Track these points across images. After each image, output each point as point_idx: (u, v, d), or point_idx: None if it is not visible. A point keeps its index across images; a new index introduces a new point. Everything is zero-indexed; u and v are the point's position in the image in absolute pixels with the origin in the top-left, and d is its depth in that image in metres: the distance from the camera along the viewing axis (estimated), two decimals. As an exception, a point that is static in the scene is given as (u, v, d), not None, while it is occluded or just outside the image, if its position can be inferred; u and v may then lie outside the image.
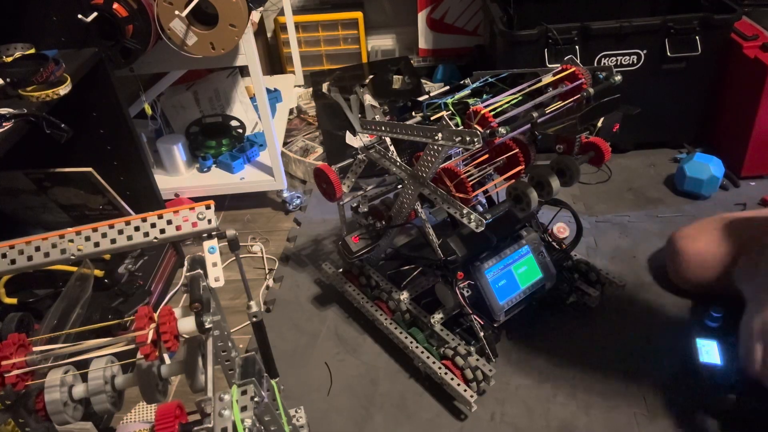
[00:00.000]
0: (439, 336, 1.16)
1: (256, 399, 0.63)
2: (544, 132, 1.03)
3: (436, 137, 0.96)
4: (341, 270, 1.37)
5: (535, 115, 0.97)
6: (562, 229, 1.30)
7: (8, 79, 1.02)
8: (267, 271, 1.53)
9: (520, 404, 1.12)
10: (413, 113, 1.14)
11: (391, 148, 1.13)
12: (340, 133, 1.90)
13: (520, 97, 1.05)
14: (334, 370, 1.23)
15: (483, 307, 1.14)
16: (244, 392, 0.64)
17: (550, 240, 1.28)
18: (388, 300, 1.24)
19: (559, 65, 1.10)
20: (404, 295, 1.19)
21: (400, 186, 1.18)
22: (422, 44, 2.36)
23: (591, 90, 1.05)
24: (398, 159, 1.12)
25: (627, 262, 1.42)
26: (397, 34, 2.46)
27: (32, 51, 1.19)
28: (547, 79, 1.08)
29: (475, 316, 1.11)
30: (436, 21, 2.30)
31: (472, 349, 1.11)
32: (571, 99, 1.06)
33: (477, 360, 1.09)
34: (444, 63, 2.33)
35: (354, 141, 1.84)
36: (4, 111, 0.96)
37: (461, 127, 0.96)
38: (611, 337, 1.23)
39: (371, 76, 2.20)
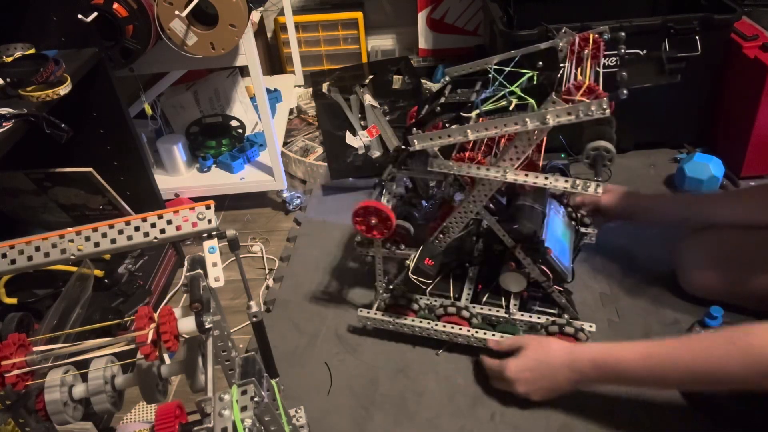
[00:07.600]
0: (525, 323, 1.17)
1: (256, 399, 0.63)
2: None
3: (547, 119, 0.90)
4: (385, 306, 1.23)
5: (624, 74, 0.96)
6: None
7: (8, 79, 1.02)
8: (267, 271, 1.53)
9: (520, 404, 1.12)
10: (461, 114, 1.07)
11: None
12: (340, 133, 1.90)
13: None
14: (334, 370, 1.23)
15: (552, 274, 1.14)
16: (244, 392, 0.63)
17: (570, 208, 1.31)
18: (459, 312, 1.18)
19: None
20: (478, 308, 1.19)
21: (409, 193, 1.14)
22: (422, 44, 2.36)
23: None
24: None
25: (627, 262, 1.42)
26: (397, 34, 2.46)
27: (32, 51, 1.19)
28: None
29: (554, 286, 1.14)
30: (436, 21, 2.30)
31: (566, 316, 1.14)
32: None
33: (578, 323, 1.13)
34: (444, 63, 2.33)
35: (354, 141, 1.84)
36: (4, 111, 0.96)
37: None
38: (611, 337, 1.23)
39: (371, 76, 2.20)
